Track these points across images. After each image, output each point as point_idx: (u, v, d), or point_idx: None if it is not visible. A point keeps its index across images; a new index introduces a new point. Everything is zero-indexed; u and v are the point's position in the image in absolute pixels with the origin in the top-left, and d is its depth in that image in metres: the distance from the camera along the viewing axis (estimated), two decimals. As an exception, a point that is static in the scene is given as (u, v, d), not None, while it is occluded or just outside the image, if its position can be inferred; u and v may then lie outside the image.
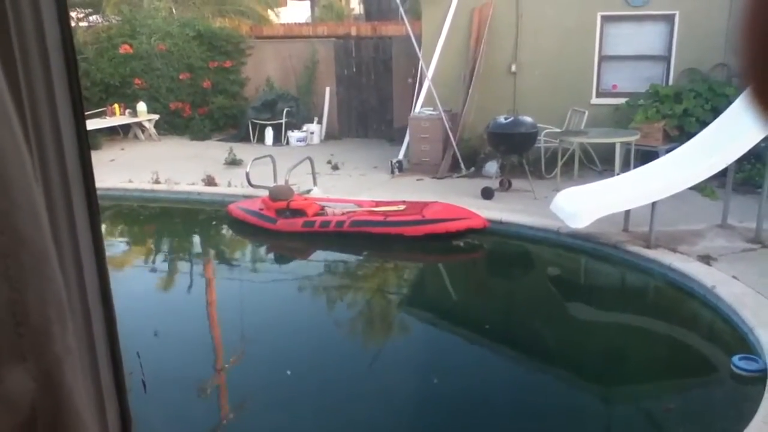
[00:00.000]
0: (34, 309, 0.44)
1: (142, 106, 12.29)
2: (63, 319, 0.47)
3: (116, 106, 12.30)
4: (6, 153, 0.42)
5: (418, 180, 9.02)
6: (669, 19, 9.08)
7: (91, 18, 16.04)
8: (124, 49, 12.55)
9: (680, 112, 8.44)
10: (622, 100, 9.17)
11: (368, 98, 12.61)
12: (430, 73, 9.52)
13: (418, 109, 9.70)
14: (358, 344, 5.32)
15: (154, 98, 12.73)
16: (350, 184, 8.79)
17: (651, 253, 5.82)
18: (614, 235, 6.24)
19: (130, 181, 8.99)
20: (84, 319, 0.78)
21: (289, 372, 4.41)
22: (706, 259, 5.59)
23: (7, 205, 0.42)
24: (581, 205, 5.97)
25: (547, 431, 3.85)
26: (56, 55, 0.73)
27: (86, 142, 0.80)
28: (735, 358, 4.16)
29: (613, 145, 7.99)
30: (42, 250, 0.45)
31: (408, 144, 9.69)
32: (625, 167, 7.78)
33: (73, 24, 15.64)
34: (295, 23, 15.42)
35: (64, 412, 0.46)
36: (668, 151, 7.00)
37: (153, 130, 12.51)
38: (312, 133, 12.13)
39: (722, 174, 6.11)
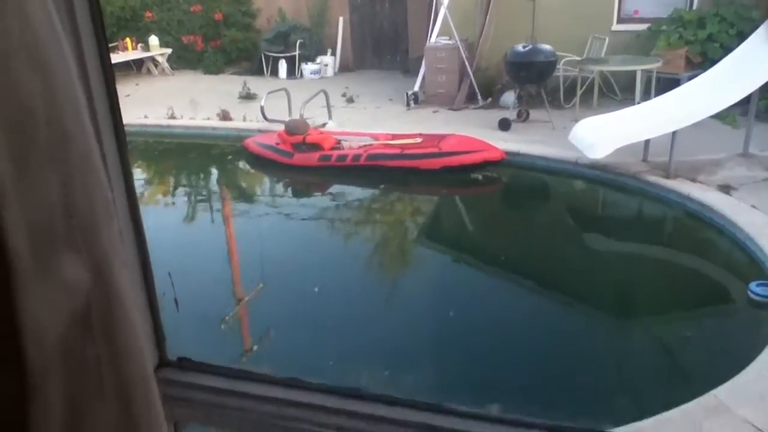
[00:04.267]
0: (83, 204, 0.46)
1: (154, 40, 12.15)
2: (109, 218, 0.49)
3: (128, 40, 12.17)
4: (49, 50, 0.43)
5: (434, 112, 8.92)
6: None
7: (98, -51, 15.70)
8: (134, -19, 12.31)
9: (704, 37, 8.19)
10: (644, 26, 8.89)
11: (383, 28, 12.34)
12: (446, 1, 9.27)
13: (433, 38, 9.49)
14: (375, 277, 5.39)
15: (165, 31, 12.56)
16: (365, 117, 8.72)
17: (670, 183, 5.77)
18: (633, 165, 6.17)
19: (146, 117, 8.98)
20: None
21: (317, 289, 4.51)
22: (726, 188, 5.54)
23: (52, 101, 0.44)
24: (600, 135, 5.90)
25: (561, 361, 3.93)
26: None
27: (111, 74, 0.80)
28: (752, 285, 4.17)
29: (633, 73, 7.81)
30: (87, 148, 0.47)
31: (424, 75, 9.53)
32: (646, 96, 7.63)
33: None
34: (307, -50, 14.96)
35: (115, 304, 0.48)
36: (691, 78, 6.82)
37: (166, 65, 12.40)
38: (326, 65, 11.96)
39: (745, 101, 5.98)
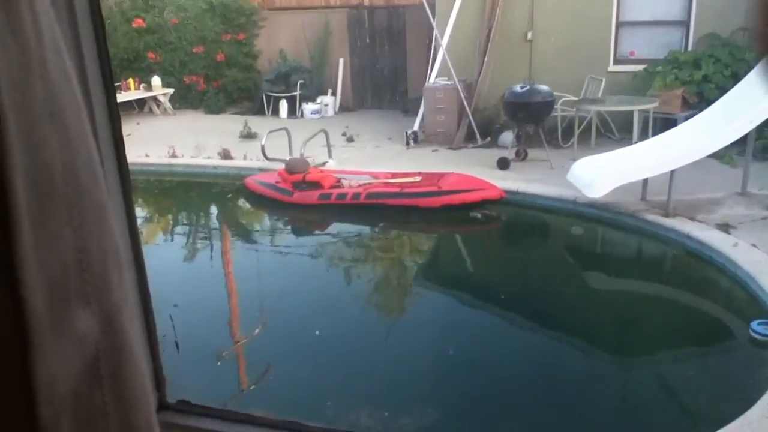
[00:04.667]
0: (96, 257, 0.47)
1: (156, 80, 12.31)
2: (120, 269, 0.50)
3: (131, 80, 12.33)
4: (66, 106, 0.44)
5: (433, 151, 8.99)
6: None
7: (103, -8, 16.02)
8: (138, 23, 12.54)
9: (699, 78, 8.31)
10: (640, 67, 9.03)
11: (382, 69, 12.52)
12: (444, 42, 9.43)
13: (432, 79, 9.63)
14: (375, 315, 5.36)
15: (168, 72, 12.74)
16: (365, 156, 8.79)
17: (669, 222, 5.78)
18: (632, 204, 6.20)
19: (147, 156, 9.04)
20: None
21: (317, 332, 4.48)
22: (725, 227, 5.55)
23: (69, 157, 0.45)
24: (599, 174, 5.93)
25: (564, 398, 3.89)
26: (85, 27, 0.74)
27: (117, 114, 0.82)
28: (753, 324, 4.15)
29: (630, 113, 7.90)
30: (100, 200, 0.48)
31: (423, 115, 9.63)
32: (644, 135, 7.70)
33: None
34: (308, -6, 15.26)
35: (123, 353, 0.49)
36: (687, 118, 6.91)
37: (168, 104, 12.54)
38: (326, 105, 12.09)
39: (742, 141, 6.03)
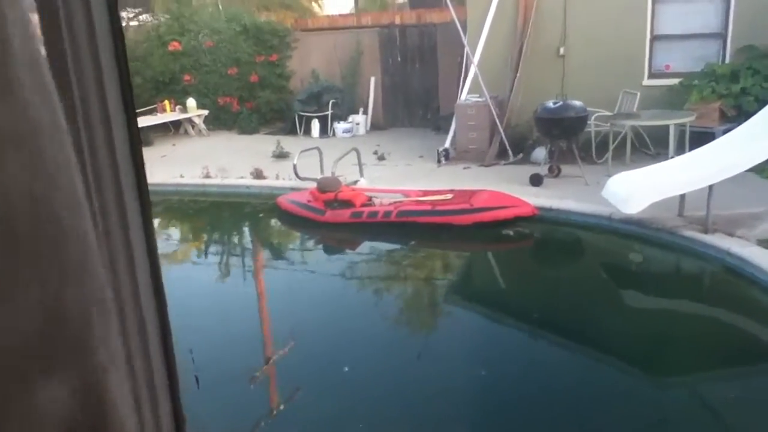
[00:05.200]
0: (74, 311, 0.38)
1: (191, 102, 12.53)
2: (107, 322, 0.41)
3: (167, 102, 12.57)
4: (41, 129, 0.36)
5: (465, 168, 8.94)
6: (725, -5, 8.74)
7: (141, 17, 16.42)
8: (173, 46, 12.80)
9: (737, 91, 8.12)
10: (675, 81, 8.88)
11: (413, 87, 12.54)
12: (476, 59, 9.41)
13: (464, 96, 9.60)
14: (407, 335, 5.31)
15: (203, 94, 12.96)
16: (397, 174, 8.78)
17: (708, 238, 5.63)
18: (669, 220, 6.06)
19: (182, 176, 9.18)
20: (137, 318, 0.77)
21: (346, 368, 4.44)
22: (767, 243, 5.38)
23: (43, 188, 0.36)
24: (634, 190, 5.81)
25: (602, 420, 3.78)
26: (105, 47, 0.73)
27: (137, 136, 0.78)
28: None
29: (666, 127, 7.75)
30: (84, 240, 0.39)
31: (454, 132, 9.60)
32: (680, 150, 7.55)
33: (124, 23, 16.04)
34: (339, 14, 15.43)
35: (105, 424, 0.40)
36: (725, 132, 6.74)
37: (202, 126, 12.74)
38: (358, 123, 12.15)
39: (783, 154, 5.86)
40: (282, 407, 4.05)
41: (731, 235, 5.61)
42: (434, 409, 3.96)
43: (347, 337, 4.95)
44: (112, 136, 0.76)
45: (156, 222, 8.88)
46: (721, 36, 8.91)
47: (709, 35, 8.99)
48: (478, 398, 4.07)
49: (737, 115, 7.90)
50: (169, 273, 6.77)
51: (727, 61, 8.77)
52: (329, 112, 12.02)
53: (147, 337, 0.80)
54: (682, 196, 6.04)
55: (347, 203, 7.12)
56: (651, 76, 9.26)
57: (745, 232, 5.65)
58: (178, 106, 12.60)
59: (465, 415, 3.90)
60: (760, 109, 6.42)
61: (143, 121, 11.97)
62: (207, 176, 9.05)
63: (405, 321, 5.56)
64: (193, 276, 6.70)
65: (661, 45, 9.22)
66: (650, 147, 8.69)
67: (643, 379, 4.35)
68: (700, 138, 7.43)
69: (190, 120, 12.70)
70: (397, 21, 13.07)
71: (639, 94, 8.81)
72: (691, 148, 6.95)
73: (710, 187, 5.61)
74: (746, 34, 8.50)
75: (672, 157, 7.03)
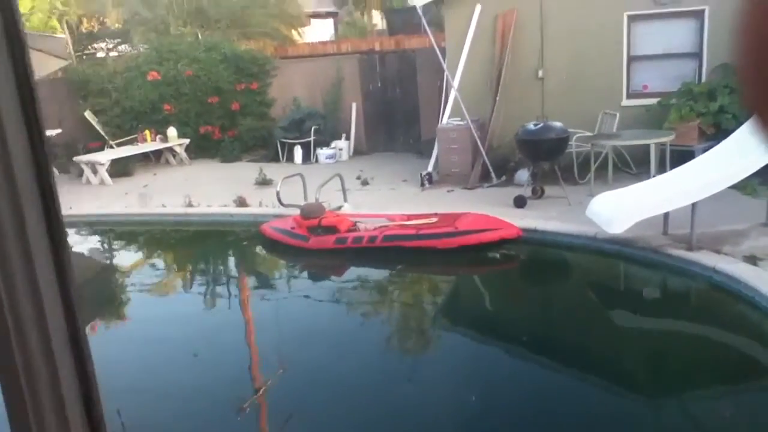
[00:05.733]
0: None
1: (172, 131, 12.46)
2: None
3: (147, 132, 12.50)
4: None
5: (448, 191, 8.94)
6: (698, 15, 8.90)
7: (120, 47, 16.41)
8: (152, 75, 12.76)
9: (715, 109, 8.22)
10: (653, 101, 8.98)
11: (395, 112, 12.59)
12: (456, 83, 9.47)
13: (445, 120, 9.64)
14: (395, 360, 5.24)
15: (183, 123, 12.90)
16: (380, 199, 8.75)
17: (694, 256, 5.64)
18: (654, 238, 6.07)
19: (164, 206, 9.08)
20: (49, 374, 0.67)
21: (337, 379, 4.35)
22: (752, 259, 5.40)
23: None
24: (618, 210, 5.83)
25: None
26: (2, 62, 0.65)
27: (44, 158, 0.66)
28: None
29: (647, 146, 7.81)
30: None
31: (437, 156, 9.62)
32: (661, 169, 7.61)
33: (103, 54, 15.99)
34: (319, 42, 15.51)
35: None
36: (705, 150, 6.81)
37: (184, 154, 12.66)
38: (340, 149, 12.15)
39: (764, 170, 5.90)
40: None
41: (717, 252, 5.62)
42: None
43: (336, 363, 4.86)
44: (11, 162, 0.65)
45: (139, 253, 8.75)
46: (697, 55, 9.05)
47: (684, 55, 9.12)
48: (468, 424, 4.00)
49: (716, 133, 7.99)
50: (153, 303, 6.66)
51: (704, 80, 8.89)
52: (312, 139, 12.01)
53: (64, 403, 0.69)
54: (666, 215, 6.07)
55: (331, 229, 7.06)
56: (629, 96, 9.36)
57: (731, 248, 5.68)
58: (158, 136, 12.52)
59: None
60: (738, 126, 6.50)
61: (124, 151, 11.88)
62: (189, 205, 8.96)
63: (393, 346, 5.49)
64: (177, 306, 6.58)
65: (639, 65, 9.34)
66: (632, 166, 8.76)
67: (633, 398, 4.31)
68: (681, 156, 7.50)
69: (171, 149, 12.62)
70: (377, 47, 13.15)
71: (618, 114, 8.89)
72: (672, 167, 7.00)
73: (693, 204, 5.63)
74: (721, 53, 8.64)
75: (654, 176, 7.08)
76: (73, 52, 14.16)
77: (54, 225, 0.68)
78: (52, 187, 0.66)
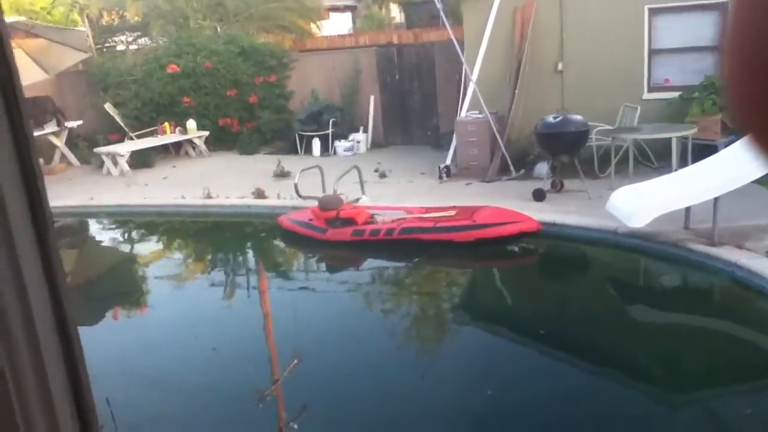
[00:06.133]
0: None
1: (191, 124, 12.52)
2: None
3: (167, 124, 12.58)
4: None
5: (467, 184, 8.91)
6: (721, 7, 8.76)
7: (139, 41, 16.51)
8: (172, 68, 12.82)
9: (738, 103, 8.09)
10: (675, 94, 8.87)
11: (413, 105, 12.55)
12: (474, 76, 9.42)
13: (463, 113, 9.60)
14: (412, 353, 5.24)
15: (203, 115, 12.96)
16: (398, 192, 8.74)
17: (715, 251, 5.58)
18: (675, 233, 6.01)
19: (183, 197, 9.14)
20: (34, 362, 0.65)
21: (353, 373, 4.36)
22: (775, 254, 5.33)
23: None
24: (639, 204, 5.77)
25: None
26: None
27: (27, 145, 0.65)
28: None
29: (668, 140, 7.72)
30: None
31: (455, 148, 9.58)
32: (683, 163, 7.51)
33: (123, 47, 16.11)
34: (338, 35, 15.50)
35: None
36: (728, 144, 6.72)
37: (203, 147, 12.73)
38: (358, 142, 12.15)
39: (788, 165, 5.82)
40: (291, 425, 3.97)
41: (739, 247, 5.55)
42: (439, 427, 3.89)
43: (352, 355, 4.87)
44: None
45: (159, 243, 8.83)
46: (718, 48, 8.92)
47: (706, 48, 8.99)
48: (483, 416, 4.00)
49: (737, 127, 7.87)
50: (172, 294, 6.72)
51: (727, 73, 8.76)
52: (330, 131, 12.02)
53: (50, 395, 0.67)
54: (688, 209, 6.00)
55: (349, 221, 7.07)
56: (651, 89, 9.25)
57: (753, 244, 5.60)
58: (178, 128, 12.60)
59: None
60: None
61: (144, 143, 11.97)
62: (208, 197, 9.01)
63: (410, 339, 5.49)
64: (196, 296, 6.63)
65: (660, 59, 9.23)
66: (653, 160, 8.67)
67: (651, 394, 4.28)
68: (703, 150, 7.40)
69: (190, 141, 12.70)
70: (395, 40, 13.12)
71: (639, 108, 8.79)
72: (694, 161, 6.91)
73: (716, 199, 5.56)
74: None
75: (675, 170, 6.99)
76: (93, 45, 14.26)
77: (39, 214, 0.66)
78: (36, 174, 0.65)
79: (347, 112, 12.50)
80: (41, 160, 12.19)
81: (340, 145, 11.96)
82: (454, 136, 9.58)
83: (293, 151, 12.25)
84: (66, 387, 0.69)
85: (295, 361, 4.80)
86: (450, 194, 8.32)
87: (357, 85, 12.66)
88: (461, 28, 10.10)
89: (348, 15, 20.76)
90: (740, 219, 6.08)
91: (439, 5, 9.68)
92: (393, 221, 7.02)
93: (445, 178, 9.28)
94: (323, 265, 7.48)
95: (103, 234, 9.45)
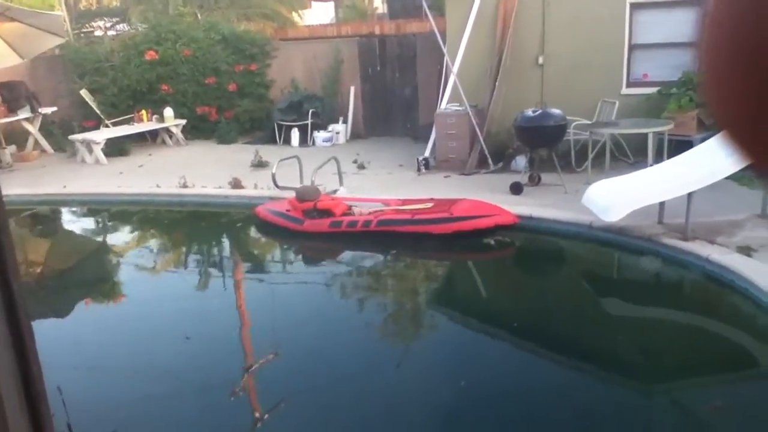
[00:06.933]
0: None
1: (169, 112, 12.38)
2: None
3: (144, 112, 12.42)
4: None
5: (445, 177, 8.90)
6: (702, 3, 8.82)
7: (118, 27, 16.29)
8: (150, 55, 12.66)
9: (715, 99, 8.16)
10: (653, 90, 8.93)
11: (393, 96, 12.52)
12: (455, 68, 9.40)
13: (443, 105, 9.58)
14: (387, 345, 5.23)
15: (180, 103, 12.82)
16: (377, 183, 8.71)
17: (688, 246, 5.62)
18: (649, 227, 6.05)
19: (158, 186, 9.04)
20: None
21: (327, 363, 4.34)
22: (746, 250, 5.39)
23: None
24: (614, 198, 5.80)
25: (584, 427, 3.72)
26: None
27: None
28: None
29: (645, 135, 7.77)
30: None
31: (434, 141, 9.57)
32: (659, 158, 7.57)
33: (100, 33, 15.87)
34: (319, 24, 15.41)
35: None
36: (703, 140, 6.78)
37: (180, 135, 12.60)
38: (338, 132, 12.09)
39: (761, 162, 5.87)
40: (264, 415, 3.94)
41: (711, 242, 5.61)
42: (413, 419, 3.88)
43: (327, 346, 4.85)
44: None
45: (133, 233, 8.72)
46: (694, 45, 8.98)
47: (686, 44, 9.06)
48: (456, 407, 4.00)
49: (714, 124, 7.93)
50: (146, 284, 6.64)
51: (704, 70, 8.82)
52: (309, 121, 11.94)
53: None
54: (662, 204, 6.04)
55: (326, 212, 7.03)
56: (629, 85, 9.30)
57: (725, 239, 5.66)
58: (155, 116, 12.45)
59: (443, 425, 3.83)
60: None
61: (120, 131, 11.82)
62: (184, 186, 8.92)
63: (385, 330, 5.47)
64: (169, 286, 6.56)
65: (640, 54, 9.28)
66: (629, 155, 8.72)
67: (627, 386, 4.31)
68: (679, 146, 7.46)
69: (167, 129, 12.55)
70: (377, 31, 13.06)
71: (617, 102, 8.84)
72: (670, 157, 6.96)
73: (689, 194, 5.61)
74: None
75: (651, 165, 7.04)
76: (70, 30, 14.04)
77: None
78: None
79: (327, 103, 12.43)
80: (14, 147, 11.98)
81: (320, 135, 11.90)
82: (434, 128, 9.56)
83: (272, 140, 12.16)
84: (15, 375, 0.67)
85: (270, 352, 4.77)
86: (428, 186, 8.31)
87: (338, 75, 12.59)
88: (444, 19, 10.07)
89: (330, 4, 20.64)
90: (713, 214, 6.14)
91: (421, -4, 9.65)
92: (370, 213, 7.00)
93: (423, 170, 9.26)
94: (300, 256, 7.44)
95: (75, 223, 9.32)
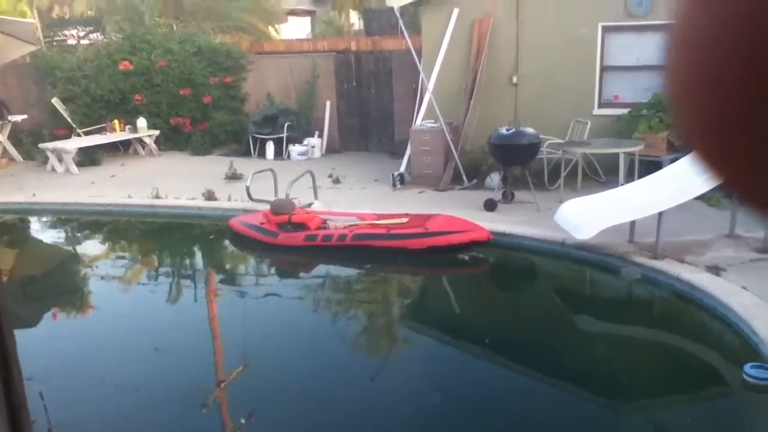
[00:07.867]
0: None
1: (142, 122, 12.26)
2: None
3: (116, 122, 12.28)
4: None
5: (420, 192, 8.95)
6: (667, 28, 9.03)
7: (91, 36, 16.12)
8: (124, 65, 12.55)
9: (683, 121, 8.35)
10: (624, 111, 9.11)
11: (369, 112, 12.58)
12: (430, 86, 9.49)
13: (419, 121, 9.65)
14: (360, 360, 5.21)
15: (154, 114, 12.71)
16: (352, 198, 8.72)
17: (658, 264, 5.72)
18: (620, 246, 6.15)
19: (130, 197, 8.93)
20: None
21: (299, 378, 4.30)
22: (715, 269, 5.50)
23: None
24: (586, 217, 5.89)
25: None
26: None
27: None
28: (746, 367, 4.06)
29: (616, 155, 7.92)
30: None
31: (409, 157, 9.62)
32: (629, 178, 7.71)
33: (74, 42, 15.69)
34: (296, 39, 15.45)
35: None
36: (672, 161, 6.92)
37: (153, 146, 12.48)
38: (313, 146, 12.09)
39: (728, 183, 6.02)
40: (234, 428, 3.90)
41: (681, 261, 5.71)
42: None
43: (299, 360, 4.82)
44: None
45: (104, 243, 8.59)
46: (660, 67, 9.17)
47: (656, 67, 9.26)
48: (428, 423, 4.00)
49: (683, 144, 8.11)
50: (116, 295, 6.54)
51: (673, 92, 9.02)
52: (284, 135, 11.93)
53: None
54: (633, 223, 6.15)
55: (301, 226, 7.02)
56: (601, 105, 9.47)
57: (694, 258, 5.77)
58: (128, 126, 12.32)
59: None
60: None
61: (92, 140, 11.67)
62: (156, 197, 8.82)
63: (358, 345, 5.46)
64: (140, 298, 6.47)
65: (611, 76, 9.46)
66: (601, 174, 8.87)
67: (596, 403, 4.35)
68: (649, 166, 7.61)
69: (140, 140, 12.43)
70: (353, 47, 13.11)
71: (589, 122, 9.00)
72: (641, 176, 7.10)
73: (660, 214, 5.72)
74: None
75: (622, 185, 7.17)
76: (42, 38, 13.86)
77: None
78: None
79: (303, 117, 12.43)
80: (-18, 154, 11.75)
81: (295, 149, 11.89)
82: (409, 144, 9.62)
83: (247, 153, 12.11)
84: None
85: (241, 365, 4.72)
86: (403, 202, 8.35)
87: (314, 89, 12.61)
88: (419, 37, 10.17)
89: (307, 19, 20.73)
90: (682, 234, 6.27)
91: (398, 14, 9.71)
92: (345, 227, 7.00)
93: (398, 186, 9.30)
94: (273, 270, 7.39)
95: (45, 232, 9.16)
